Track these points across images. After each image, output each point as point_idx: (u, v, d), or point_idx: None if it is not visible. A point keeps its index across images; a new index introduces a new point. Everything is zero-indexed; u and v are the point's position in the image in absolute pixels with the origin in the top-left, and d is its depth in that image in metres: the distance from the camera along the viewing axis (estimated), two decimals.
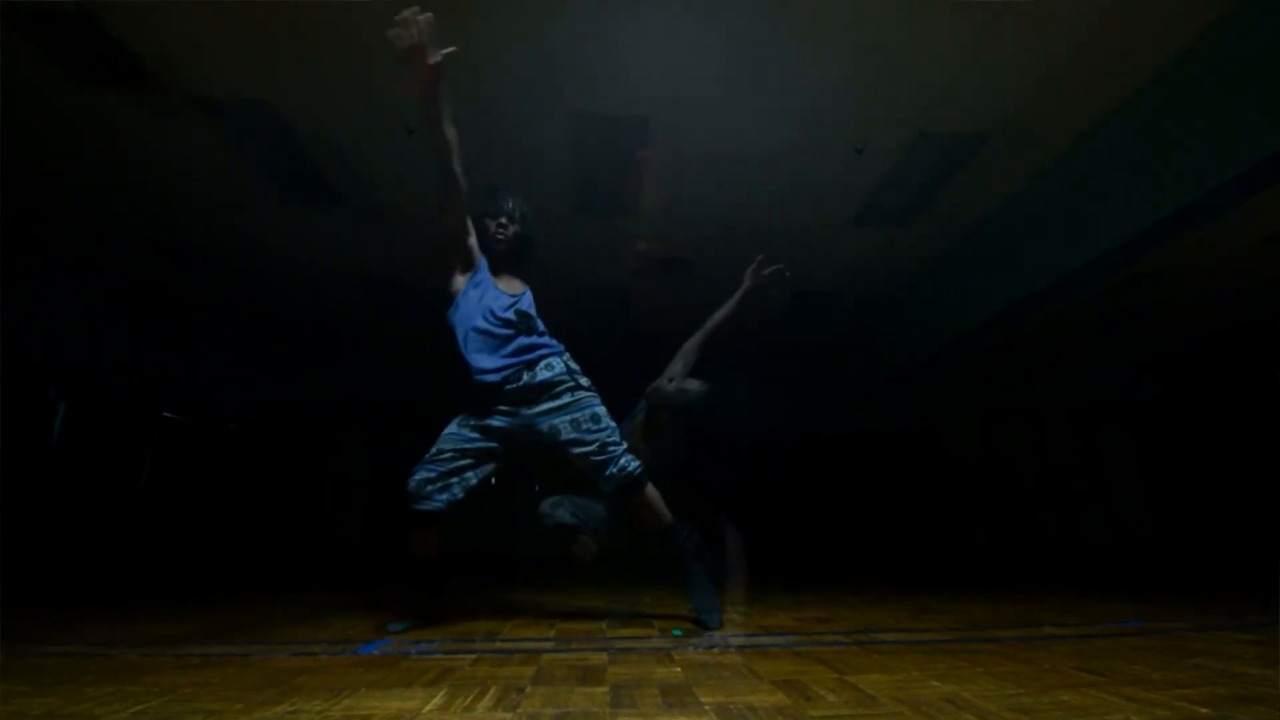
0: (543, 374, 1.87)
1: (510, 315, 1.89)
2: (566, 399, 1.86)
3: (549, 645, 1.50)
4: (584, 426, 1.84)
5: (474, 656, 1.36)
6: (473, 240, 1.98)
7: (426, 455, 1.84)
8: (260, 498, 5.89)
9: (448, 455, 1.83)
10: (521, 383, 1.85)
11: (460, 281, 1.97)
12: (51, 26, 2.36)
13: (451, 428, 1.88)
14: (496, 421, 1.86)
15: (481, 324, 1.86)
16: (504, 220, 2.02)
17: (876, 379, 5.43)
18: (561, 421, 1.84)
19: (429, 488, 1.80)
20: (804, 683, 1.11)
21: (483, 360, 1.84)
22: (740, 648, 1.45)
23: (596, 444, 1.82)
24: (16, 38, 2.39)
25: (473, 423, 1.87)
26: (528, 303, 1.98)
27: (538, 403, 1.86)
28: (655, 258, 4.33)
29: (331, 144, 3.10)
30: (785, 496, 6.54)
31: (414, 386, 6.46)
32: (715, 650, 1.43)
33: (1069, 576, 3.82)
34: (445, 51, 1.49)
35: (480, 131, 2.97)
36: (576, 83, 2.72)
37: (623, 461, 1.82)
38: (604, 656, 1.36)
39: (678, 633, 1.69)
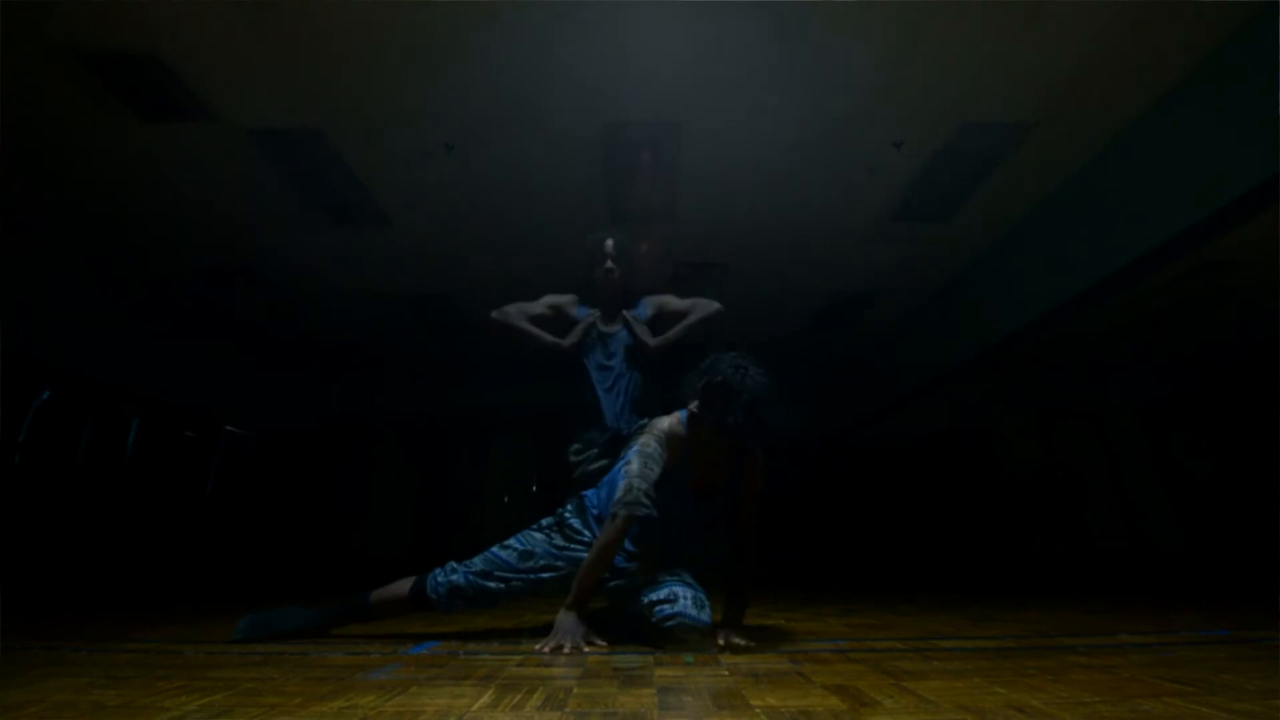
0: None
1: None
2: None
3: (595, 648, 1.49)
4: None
5: (520, 658, 1.37)
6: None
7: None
8: (314, 509, 6.12)
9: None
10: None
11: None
12: (122, 69, 2.54)
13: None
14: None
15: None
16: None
17: (920, 380, 5.24)
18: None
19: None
20: (859, 688, 1.06)
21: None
22: (791, 653, 1.41)
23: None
24: (80, 73, 2.57)
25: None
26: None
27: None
28: (691, 263, 4.32)
29: (374, 165, 3.22)
30: (828, 502, 6.36)
31: (459, 399, 6.61)
32: (765, 655, 1.39)
33: (1136, 583, 3.57)
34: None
35: (513, 143, 3.04)
36: (606, 92, 2.75)
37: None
38: (649, 659, 1.35)
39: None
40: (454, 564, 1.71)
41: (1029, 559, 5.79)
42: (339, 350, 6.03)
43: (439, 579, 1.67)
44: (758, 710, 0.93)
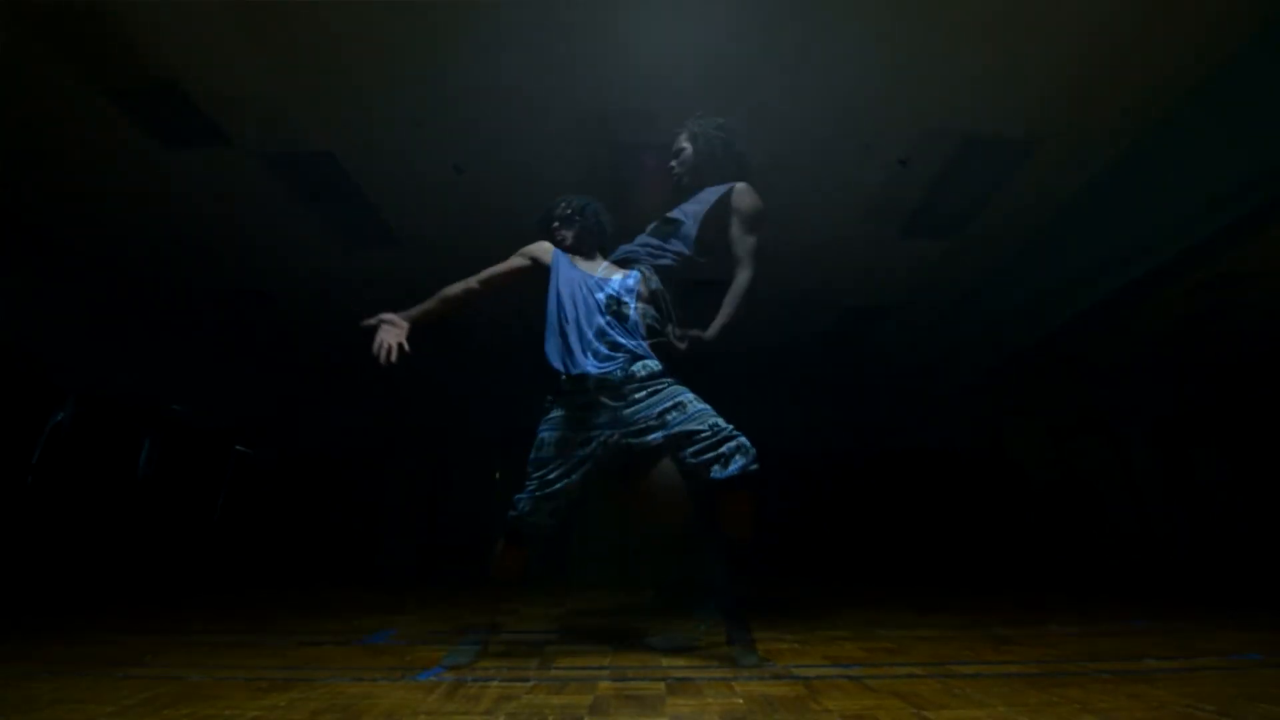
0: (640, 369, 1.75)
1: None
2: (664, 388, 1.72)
3: (605, 674, 1.46)
4: (691, 410, 1.64)
5: (530, 684, 1.34)
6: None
7: (532, 474, 1.73)
8: (322, 526, 6.12)
9: (554, 469, 1.70)
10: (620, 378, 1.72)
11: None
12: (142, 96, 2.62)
13: (548, 435, 1.75)
14: (598, 419, 1.71)
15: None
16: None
17: (931, 395, 5.20)
18: (670, 410, 1.66)
19: (545, 505, 1.69)
20: (878, 718, 1.03)
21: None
22: (805, 679, 1.38)
23: (710, 428, 1.59)
24: (105, 105, 2.65)
25: (567, 429, 1.73)
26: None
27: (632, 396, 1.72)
28: (689, 280, 4.32)
29: (386, 187, 3.27)
30: (840, 517, 6.27)
31: (465, 416, 6.62)
32: (779, 682, 1.36)
33: (1162, 600, 3.47)
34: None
35: (520, 160, 3.08)
36: (612, 108, 2.78)
37: (744, 441, 1.58)
38: (661, 686, 1.32)
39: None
40: None
41: (1043, 572, 5.66)
42: (354, 370, 6.07)
43: None
44: None
